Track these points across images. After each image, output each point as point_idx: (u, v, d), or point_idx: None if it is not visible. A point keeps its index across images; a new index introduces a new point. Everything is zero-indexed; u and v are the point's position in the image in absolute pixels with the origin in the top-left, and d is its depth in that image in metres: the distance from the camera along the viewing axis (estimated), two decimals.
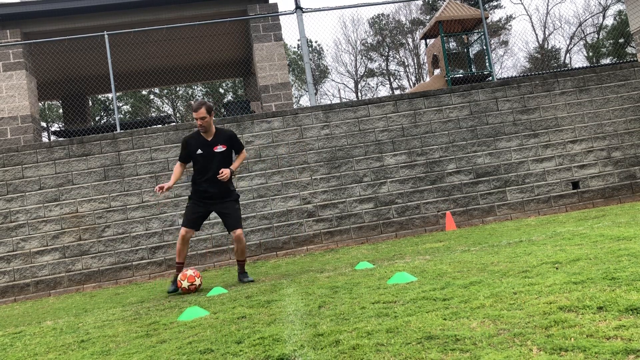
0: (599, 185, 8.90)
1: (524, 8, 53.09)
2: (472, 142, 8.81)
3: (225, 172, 5.26)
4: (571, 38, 36.11)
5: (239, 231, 5.37)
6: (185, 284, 5.15)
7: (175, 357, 2.63)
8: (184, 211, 5.80)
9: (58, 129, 22.83)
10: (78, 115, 13.81)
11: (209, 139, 5.40)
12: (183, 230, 5.35)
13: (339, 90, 40.63)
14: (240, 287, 5.13)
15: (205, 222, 8.21)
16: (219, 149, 5.38)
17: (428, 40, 11.74)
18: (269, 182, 8.35)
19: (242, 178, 8.35)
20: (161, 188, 5.28)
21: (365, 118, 8.68)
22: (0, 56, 9.97)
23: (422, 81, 36.09)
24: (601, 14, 34.52)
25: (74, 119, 13.77)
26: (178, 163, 5.53)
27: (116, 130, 8.79)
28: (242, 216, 8.25)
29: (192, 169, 5.51)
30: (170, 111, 36.92)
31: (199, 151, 5.35)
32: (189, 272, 5.20)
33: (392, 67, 42.62)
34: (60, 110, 28.39)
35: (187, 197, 8.20)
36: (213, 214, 7.84)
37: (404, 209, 8.54)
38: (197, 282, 5.19)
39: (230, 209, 5.42)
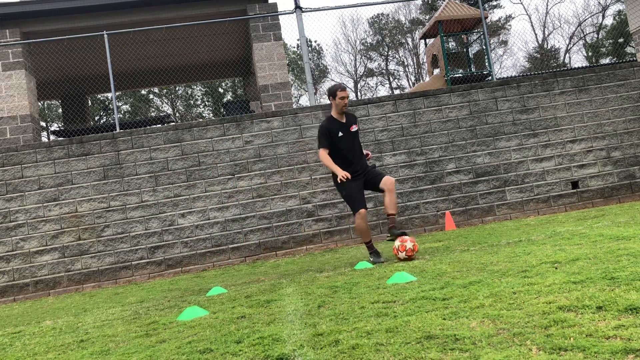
0: (598, 185, 8.91)
1: (524, 8, 53.24)
2: (471, 141, 8.81)
3: (370, 154, 5.66)
4: (570, 38, 36.13)
5: (392, 178, 5.50)
6: (409, 244, 5.28)
7: (175, 357, 2.63)
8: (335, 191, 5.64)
9: (57, 129, 22.82)
10: (77, 115, 13.80)
11: (343, 120, 5.61)
12: (363, 211, 5.47)
13: None
14: (240, 287, 5.14)
15: (204, 222, 8.22)
16: (354, 128, 5.64)
17: (427, 40, 11.74)
18: (269, 182, 8.35)
19: (242, 178, 8.35)
20: (346, 177, 5.38)
21: (364, 118, 8.68)
22: (0, 56, 9.96)
23: (421, 81, 36.11)
24: (601, 14, 34.54)
25: (73, 119, 13.76)
26: (324, 151, 5.54)
27: (115, 130, 8.79)
28: (242, 215, 8.26)
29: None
30: (170, 111, 36.91)
31: (340, 133, 5.54)
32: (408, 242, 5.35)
33: (392, 66, 42.65)
34: (60, 110, 28.36)
35: (185, 197, 8.19)
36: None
37: (404, 209, 8.54)
38: (418, 245, 5.44)
39: (373, 171, 5.65)
